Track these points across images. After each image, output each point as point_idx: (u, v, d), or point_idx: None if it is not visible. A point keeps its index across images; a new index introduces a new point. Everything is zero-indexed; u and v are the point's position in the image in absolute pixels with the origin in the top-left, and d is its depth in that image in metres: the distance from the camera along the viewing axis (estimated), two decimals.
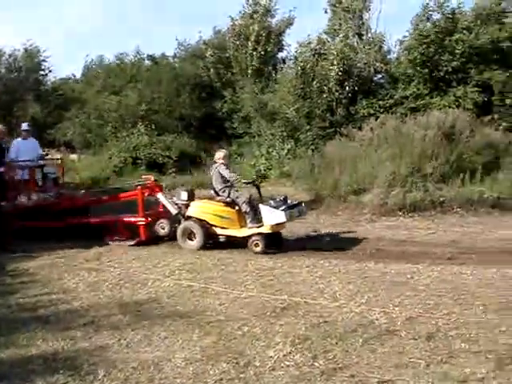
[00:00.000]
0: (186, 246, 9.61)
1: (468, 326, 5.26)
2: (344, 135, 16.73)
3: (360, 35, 21.63)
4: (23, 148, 11.75)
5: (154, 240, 10.19)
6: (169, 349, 4.95)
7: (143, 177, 11.34)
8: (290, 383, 4.18)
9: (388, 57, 21.23)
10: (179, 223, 9.99)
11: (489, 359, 4.49)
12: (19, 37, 49.07)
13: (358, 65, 19.55)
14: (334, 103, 19.10)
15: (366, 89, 19.51)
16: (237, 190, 9.90)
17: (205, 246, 9.51)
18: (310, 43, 19.91)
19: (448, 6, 18.59)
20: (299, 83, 19.35)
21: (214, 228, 9.66)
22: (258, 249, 9.24)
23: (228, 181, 9.77)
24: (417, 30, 18.77)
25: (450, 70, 17.84)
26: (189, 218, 9.79)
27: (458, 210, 12.75)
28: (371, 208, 12.72)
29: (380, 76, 20.82)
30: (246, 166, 20.23)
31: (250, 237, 9.39)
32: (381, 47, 21.04)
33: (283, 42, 24.99)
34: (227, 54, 24.60)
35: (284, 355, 4.67)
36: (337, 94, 18.95)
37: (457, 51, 17.70)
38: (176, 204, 10.10)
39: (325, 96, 18.92)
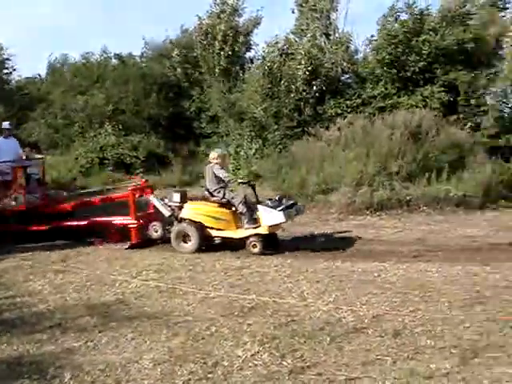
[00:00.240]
0: (181, 249, 9.41)
1: (433, 323, 5.34)
2: (311, 135, 16.82)
3: (327, 35, 21.67)
4: (5, 147, 11.41)
5: (146, 243, 10.03)
6: (136, 350, 4.93)
7: (132, 178, 11.17)
8: (258, 382, 4.20)
9: (355, 57, 21.32)
10: (170, 226, 9.82)
11: (453, 354, 4.57)
12: None
13: (326, 65, 19.61)
14: (302, 103, 19.15)
15: (334, 89, 19.58)
16: (231, 190, 9.80)
17: (200, 249, 9.36)
18: (277, 43, 19.92)
19: (416, 7, 18.81)
20: (267, 83, 19.36)
21: (209, 230, 9.50)
22: (256, 250, 9.13)
23: (223, 181, 9.63)
24: (385, 30, 18.92)
25: (417, 70, 18.03)
26: (183, 220, 9.62)
27: (425, 208, 12.93)
28: (338, 207, 12.82)
29: (347, 76, 20.92)
30: None
31: (247, 238, 9.27)
32: (348, 47, 21.13)
33: (251, 42, 24.93)
34: (194, 54, 24.50)
35: (252, 354, 4.69)
36: (304, 93, 19.00)
37: (423, 52, 17.89)
38: (169, 206, 9.92)
39: (292, 96, 18.96)
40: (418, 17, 18.61)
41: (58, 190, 13.53)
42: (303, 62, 18.70)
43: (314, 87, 19.06)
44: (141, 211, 10.38)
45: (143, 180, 10.80)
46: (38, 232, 10.38)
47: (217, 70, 23.36)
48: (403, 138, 14.47)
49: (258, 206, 9.26)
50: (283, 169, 15.56)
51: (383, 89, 18.63)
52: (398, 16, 19.06)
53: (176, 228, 9.61)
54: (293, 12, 22.88)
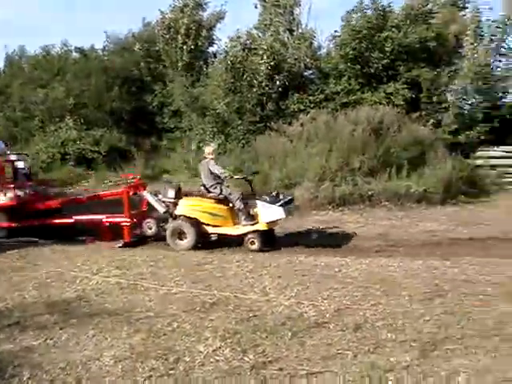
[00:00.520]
0: (177, 247, 9.25)
1: (394, 316, 5.39)
2: (274, 130, 16.86)
3: (290, 30, 21.72)
4: None
5: (140, 241, 9.91)
6: (97, 347, 4.87)
7: (123, 175, 10.95)
8: (219, 378, 4.18)
9: (319, 52, 21.41)
10: (165, 222, 9.66)
11: (413, 347, 4.63)
12: None
13: (289, 60, 19.64)
14: (264, 98, 19.14)
15: (297, 84, 19.61)
16: (227, 186, 9.69)
17: (196, 246, 9.26)
18: (239, 38, 19.88)
19: (381, 3, 18.95)
20: (229, 78, 19.30)
21: (205, 226, 9.35)
22: (255, 247, 9.05)
23: (219, 177, 9.48)
24: (349, 25, 19.04)
25: (381, 67, 18.21)
26: (178, 216, 9.44)
27: (386, 203, 13.10)
28: (301, 202, 12.86)
29: (311, 71, 20.98)
30: (177, 161, 20.16)
31: (245, 235, 9.17)
32: (311, 43, 21.19)
33: (214, 37, 24.88)
34: (157, 48, 24.31)
35: (214, 350, 4.67)
36: (267, 88, 19.00)
37: (387, 49, 18.08)
38: (163, 202, 9.73)
39: (255, 91, 18.94)
40: (382, 13, 18.77)
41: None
42: (265, 57, 18.69)
43: (277, 82, 19.09)
44: (134, 209, 10.22)
45: (137, 177, 10.54)
46: (26, 229, 10.16)
47: (180, 65, 23.26)
48: (365, 133, 14.62)
49: (257, 202, 9.15)
50: (246, 164, 15.54)
51: (346, 84, 18.74)
52: (365, 12, 19.19)
53: (171, 225, 9.44)
54: (256, 7, 22.85)
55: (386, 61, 18.12)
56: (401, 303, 5.84)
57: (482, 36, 18.06)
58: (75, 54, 26.84)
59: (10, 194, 10.35)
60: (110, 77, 24.23)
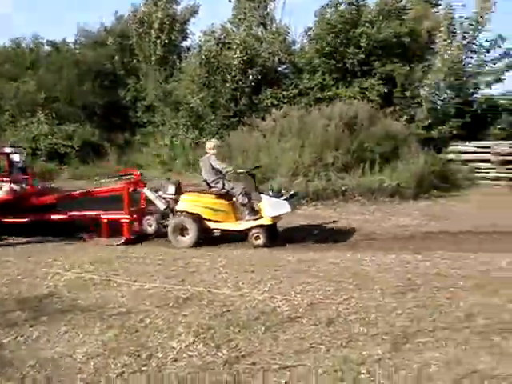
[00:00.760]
0: (179, 243, 9.09)
1: (367, 310, 5.42)
2: (248, 125, 16.86)
3: (264, 25, 21.75)
4: None
5: (140, 238, 9.74)
6: (69, 344, 4.81)
7: (126, 171, 10.75)
8: (192, 373, 4.16)
9: (293, 47, 21.48)
10: (164, 218, 9.51)
11: (385, 341, 4.65)
12: None
13: (262, 54, 19.67)
14: (238, 93, 19.16)
15: (270, 79, 19.66)
16: (229, 181, 9.57)
17: (198, 243, 9.12)
18: (213, 32, 19.86)
19: None
20: (203, 72, 19.27)
21: (207, 222, 9.20)
22: (260, 242, 8.94)
23: (220, 172, 9.37)
24: (323, 19, 19.09)
25: (356, 62, 18.31)
26: (179, 212, 9.28)
27: (359, 198, 13.19)
28: None
29: (285, 66, 21.04)
30: (150, 156, 20.08)
31: (249, 230, 9.05)
32: (285, 37, 21.26)
33: (188, 31, 24.82)
34: (130, 42, 24.15)
35: (187, 346, 4.65)
36: (240, 83, 19.02)
37: (362, 44, 18.19)
38: (163, 198, 9.56)
39: (228, 85, 18.94)
40: (356, 8, 18.86)
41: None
42: (239, 52, 18.69)
43: (250, 77, 19.09)
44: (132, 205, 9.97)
45: (137, 173, 10.34)
46: (21, 225, 9.91)
47: (153, 59, 23.19)
48: (339, 129, 14.68)
49: (262, 196, 9.06)
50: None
51: (321, 80, 18.82)
52: (339, 6, 19.25)
53: (173, 221, 9.27)
54: (230, 1, 22.84)
55: (361, 56, 18.23)
56: (373, 297, 5.86)
57: (455, 33, 18.22)
58: (47, 48, 26.54)
59: (5, 188, 10.00)
60: (82, 71, 24.03)
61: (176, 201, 9.39)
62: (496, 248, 8.46)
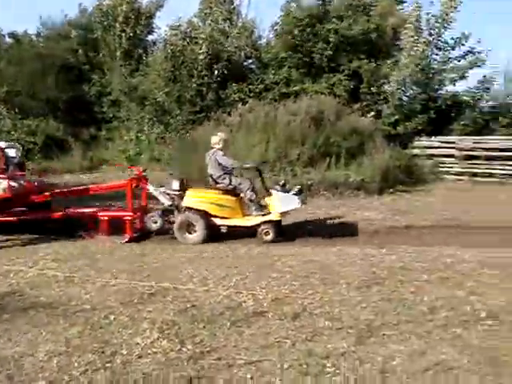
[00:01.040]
0: (186, 241, 8.85)
1: (332, 304, 5.45)
2: (214, 120, 16.80)
3: (231, 20, 21.70)
4: None
5: (143, 235, 9.49)
6: (31, 343, 4.73)
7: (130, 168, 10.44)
8: (157, 370, 4.14)
9: (259, 42, 21.49)
10: (165, 215, 9.28)
11: (350, 334, 4.69)
12: None
13: (229, 49, 19.64)
14: (204, 88, 19.09)
15: (237, 74, 19.63)
16: (236, 176, 9.38)
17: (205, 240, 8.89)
18: (179, 26, 19.74)
19: None
20: (169, 67, 19.17)
21: (214, 219, 8.99)
22: (269, 237, 8.81)
23: (227, 167, 9.18)
24: (289, 14, 19.12)
25: (323, 57, 18.38)
26: (185, 209, 9.05)
27: (325, 193, 13.24)
28: None
29: (251, 61, 21.05)
30: (116, 152, 19.91)
31: (258, 226, 8.90)
32: (252, 32, 21.26)
33: (154, 25, 24.60)
34: (95, 35, 23.84)
35: (151, 342, 4.62)
36: (206, 78, 18.96)
37: (331, 39, 18.28)
38: (168, 194, 9.31)
39: (194, 80, 18.86)
40: (322, 2, 18.96)
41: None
42: (205, 46, 18.62)
43: (216, 72, 19.04)
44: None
45: (140, 169, 10.07)
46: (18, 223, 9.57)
47: (118, 53, 22.94)
48: (305, 124, 14.71)
49: (272, 192, 8.93)
50: (185, 154, 15.41)
51: (287, 74, 18.85)
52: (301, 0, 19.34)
53: (179, 218, 9.01)
54: None
55: (329, 52, 18.31)
56: (338, 291, 5.90)
57: (421, 29, 18.41)
58: (8, 40, 26.01)
59: (3, 186, 9.46)
60: (45, 64, 23.55)
61: (181, 197, 9.17)
62: (460, 242, 8.56)
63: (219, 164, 9.15)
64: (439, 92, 18.99)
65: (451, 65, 18.76)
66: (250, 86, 18.93)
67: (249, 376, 4.00)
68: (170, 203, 9.29)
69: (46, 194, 9.86)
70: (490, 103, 19.53)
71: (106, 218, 9.36)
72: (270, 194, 9.01)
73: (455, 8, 18.03)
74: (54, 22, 25.85)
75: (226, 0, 21.73)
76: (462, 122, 18.15)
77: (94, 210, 9.70)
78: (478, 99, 18.97)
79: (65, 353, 4.48)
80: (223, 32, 20.42)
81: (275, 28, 20.29)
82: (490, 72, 18.88)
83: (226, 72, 19.20)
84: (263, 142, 14.18)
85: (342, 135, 15.09)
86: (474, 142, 16.73)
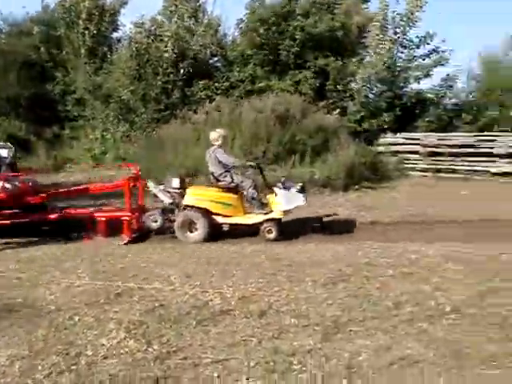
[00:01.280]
0: (187, 239, 8.71)
1: (298, 302, 5.46)
2: (180, 118, 16.74)
3: (196, 17, 21.60)
4: None
5: (142, 236, 9.32)
6: None
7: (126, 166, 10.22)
8: (123, 370, 4.09)
9: (224, 40, 21.46)
10: (163, 213, 9.12)
11: (316, 331, 4.71)
12: None
13: (194, 47, 19.57)
14: (170, 86, 19.00)
15: (203, 71, 19.57)
16: (237, 173, 9.27)
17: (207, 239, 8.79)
18: (144, 24, 19.60)
19: None
20: (134, 65, 19.03)
21: (215, 217, 8.87)
22: (272, 235, 8.75)
23: (227, 165, 9.06)
24: (255, 12, 19.12)
25: (290, 54, 18.43)
26: (186, 207, 8.91)
27: None
28: None
29: (216, 59, 21.02)
30: (81, 150, 19.69)
31: (261, 223, 8.84)
32: (217, 30, 21.22)
33: (118, 22, 24.34)
34: (58, 32, 23.48)
35: (117, 342, 4.57)
36: (172, 76, 18.87)
37: (297, 37, 18.33)
38: (168, 192, 9.13)
39: (159, 78, 18.76)
40: (286, 1, 19.00)
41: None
42: (170, 44, 18.52)
43: (181, 70, 18.96)
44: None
45: (138, 169, 9.89)
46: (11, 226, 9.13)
47: (82, 51, 22.64)
48: (270, 121, 14.74)
49: (276, 189, 8.87)
50: (150, 152, 15.31)
51: (252, 72, 18.86)
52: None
53: (180, 216, 8.87)
54: None
55: (295, 49, 18.37)
56: (305, 288, 5.92)
57: (387, 28, 18.59)
58: None
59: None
60: (6, 60, 23.08)
61: (181, 195, 9.05)
62: (425, 237, 8.67)
63: (219, 162, 9.08)
64: (404, 89, 19.20)
65: (416, 63, 19.01)
66: (216, 84, 18.89)
67: (215, 375, 3.99)
68: (170, 201, 9.15)
69: (43, 195, 9.52)
70: (453, 101, 19.88)
71: (104, 218, 9.17)
72: (272, 192, 8.98)
73: (421, 7, 18.25)
74: (15, 18, 25.37)
75: None
76: (427, 119, 18.39)
77: (91, 210, 9.57)
78: (442, 97, 19.30)
79: (28, 356, 4.39)
80: (189, 30, 20.33)
81: (240, 26, 20.28)
82: (453, 70, 19.24)
83: (191, 70, 19.13)
84: (228, 139, 14.14)
85: (308, 133, 15.16)
86: (439, 139, 16.93)
